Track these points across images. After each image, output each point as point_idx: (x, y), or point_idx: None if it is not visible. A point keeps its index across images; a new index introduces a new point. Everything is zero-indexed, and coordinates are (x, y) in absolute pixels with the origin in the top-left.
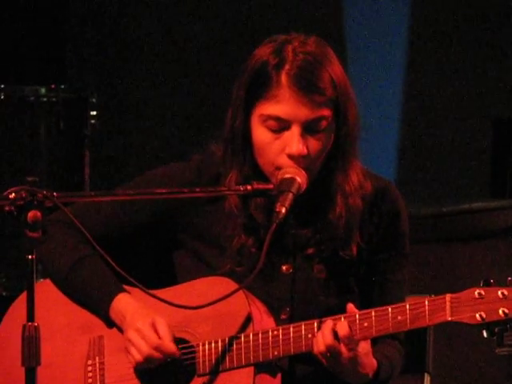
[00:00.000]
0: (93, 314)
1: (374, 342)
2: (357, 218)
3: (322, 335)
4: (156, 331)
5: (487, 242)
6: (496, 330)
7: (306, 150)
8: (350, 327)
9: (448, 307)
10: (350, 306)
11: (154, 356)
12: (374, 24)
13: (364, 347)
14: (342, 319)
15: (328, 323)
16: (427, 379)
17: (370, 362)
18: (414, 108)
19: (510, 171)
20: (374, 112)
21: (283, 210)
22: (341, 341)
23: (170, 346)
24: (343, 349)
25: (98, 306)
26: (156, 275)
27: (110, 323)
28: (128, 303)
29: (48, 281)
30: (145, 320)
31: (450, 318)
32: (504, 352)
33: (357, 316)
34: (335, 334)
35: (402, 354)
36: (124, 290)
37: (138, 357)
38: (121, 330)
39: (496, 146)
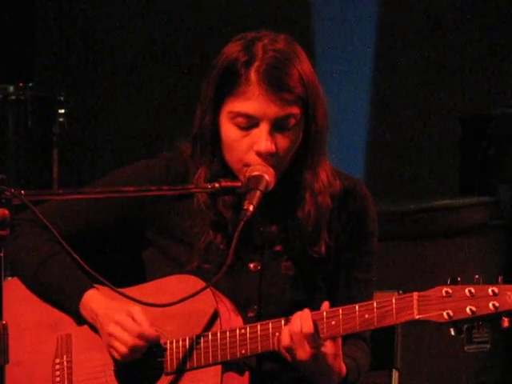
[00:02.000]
0: (62, 311)
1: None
2: (325, 216)
3: (288, 328)
4: (134, 320)
5: (455, 240)
6: (465, 327)
7: (274, 148)
8: (315, 325)
9: (415, 305)
10: (325, 305)
11: (139, 344)
12: (342, 21)
13: (331, 348)
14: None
15: (295, 318)
16: (395, 375)
17: (337, 366)
18: (382, 106)
19: (478, 168)
20: (342, 110)
21: (251, 208)
22: (304, 338)
23: (151, 331)
24: (306, 345)
25: (68, 303)
26: (125, 273)
27: (80, 320)
28: (98, 300)
29: (16, 279)
30: (121, 311)
31: (417, 317)
32: (473, 349)
33: (324, 314)
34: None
35: (368, 356)
36: (93, 287)
37: (123, 349)
38: (91, 328)
39: (464, 144)
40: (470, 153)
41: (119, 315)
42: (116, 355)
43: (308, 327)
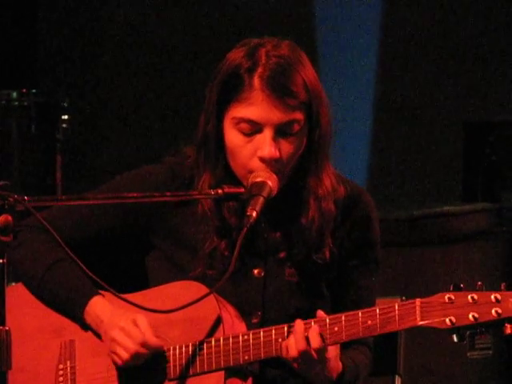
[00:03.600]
0: (67, 317)
1: (344, 347)
2: (330, 222)
3: (295, 341)
4: (138, 328)
5: (458, 246)
6: (467, 333)
7: (278, 154)
8: (321, 336)
9: (418, 312)
10: (320, 313)
11: (141, 352)
12: (346, 27)
13: (332, 350)
14: (313, 324)
15: (300, 328)
16: (398, 381)
17: (335, 366)
18: (385, 112)
19: (481, 175)
20: (345, 116)
21: (254, 214)
22: (312, 349)
23: (155, 340)
24: (314, 354)
25: (73, 309)
26: (129, 279)
27: (84, 326)
28: (104, 306)
29: (20, 285)
30: (127, 318)
31: (420, 323)
32: (475, 356)
33: (327, 320)
34: (307, 340)
35: (369, 358)
36: (98, 294)
37: (125, 355)
38: (95, 334)
39: (467, 150)
40: (472, 159)
41: (124, 322)
42: (118, 361)
43: (316, 342)
